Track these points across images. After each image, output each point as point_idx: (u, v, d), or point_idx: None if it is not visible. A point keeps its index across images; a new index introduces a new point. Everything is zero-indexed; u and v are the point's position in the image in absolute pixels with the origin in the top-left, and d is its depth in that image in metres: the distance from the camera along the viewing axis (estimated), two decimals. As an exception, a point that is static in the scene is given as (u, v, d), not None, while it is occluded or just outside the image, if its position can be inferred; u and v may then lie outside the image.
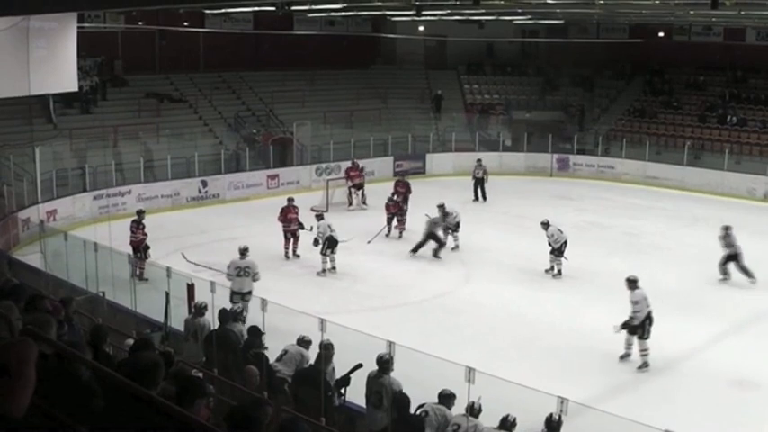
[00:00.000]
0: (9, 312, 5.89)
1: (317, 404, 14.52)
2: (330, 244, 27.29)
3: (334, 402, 15.06)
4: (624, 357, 19.93)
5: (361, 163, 39.52)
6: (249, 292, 21.50)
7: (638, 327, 19.70)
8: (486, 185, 39.96)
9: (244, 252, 22.52)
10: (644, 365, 19.63)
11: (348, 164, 39.08)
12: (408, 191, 34.48)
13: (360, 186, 37.58)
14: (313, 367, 15.15)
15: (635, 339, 19.84)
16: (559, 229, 27.32)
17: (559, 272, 26.98)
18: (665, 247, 31.22)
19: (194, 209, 36.01)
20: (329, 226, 27.47)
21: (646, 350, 19.70)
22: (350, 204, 37.26)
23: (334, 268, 27.51)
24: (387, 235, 32.01)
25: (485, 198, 39.33)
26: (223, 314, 17.24)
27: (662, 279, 26.90)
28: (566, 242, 27.14)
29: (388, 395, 14.06)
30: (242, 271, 22.07)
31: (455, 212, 30.33)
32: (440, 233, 29.00)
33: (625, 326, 19.75)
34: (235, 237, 29.57)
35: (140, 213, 27.61)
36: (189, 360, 15.95)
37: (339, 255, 27.79)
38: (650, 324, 19.71)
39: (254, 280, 22.12)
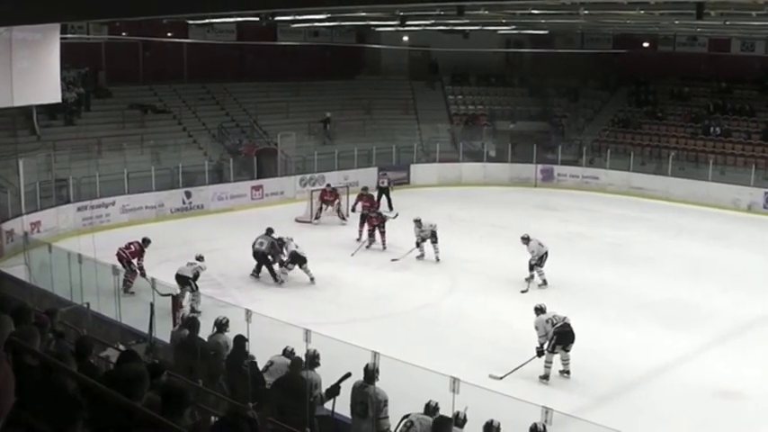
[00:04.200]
0: (4, 326, 5.85)
1: (300, 414, 14.51)
2: (293, 259, 27.39)
3: (319, 411, 15.02)
4: (545, 378, 19.85)
5: (332, 183, 39.05)
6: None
7: (549, 344, 19.73)
8: (392, 194, 39.85)
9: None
10: (545, 377, 19.71)
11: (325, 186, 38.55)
12: (373, 205, 34.78)
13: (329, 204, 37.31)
14: (292, 376, 15.09)
15: (552, 356, 19.82)
16: (540, 243, 27.24)
17: (544, 282, 26.95)
18: (650, 258, 31.24)
19: (178, 220, 35.97)
20: (295, 245, 27.64)
21: (549, 362, 19.78)
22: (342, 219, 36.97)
23: (312, 279, 27.47)
24: (367, 246, 31.92)
25: (390, 207, 38.37)
26: (189, 322, 17.25)
27: (646, 290, 27.02)
28: (546, 254, 27.17)
29: (372, 405, 14.04)
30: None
31: (429, 225, 30.47)
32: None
33: (539, 353, 19.78)
34: (219, 248, 29.60)
35: (147, 242, 27.43)
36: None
37: (324, 266, 27.86)
38: (561, 341, 19.66)
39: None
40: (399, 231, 31.38)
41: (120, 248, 26.60)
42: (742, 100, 48.16)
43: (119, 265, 22.52)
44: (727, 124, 46.82)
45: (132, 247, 26.90)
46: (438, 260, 30.12)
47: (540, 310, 20.22)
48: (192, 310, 22.51)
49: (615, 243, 33.54)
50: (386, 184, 40.06)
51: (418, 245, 30.41)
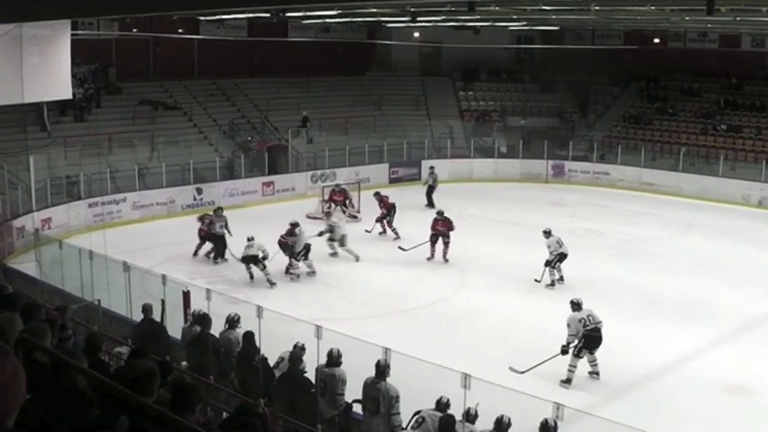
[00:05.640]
0: (12, 323, 5.85)
1: (304, 409, 14.55)
2: (307, 251, 27.69)
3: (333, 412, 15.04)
4: (567, 382, 19.46)
5: (342, 181, 39.83)
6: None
7: (575, 347, 19.47)
8: (402, 191, 39.81)
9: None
10: (567, 381, 19.36)
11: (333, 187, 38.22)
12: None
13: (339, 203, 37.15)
14: (292, 371, 15.15)
15: (577, 360, 19.60)
16: (558, 242, 27.01)
17: (553, 283, 26.67)
18: (660, 254, 31.21)
19: (189, 216, 35.87)
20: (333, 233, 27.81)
21: (574, 366, 19.44)
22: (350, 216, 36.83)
23: (313, 272, 27.70)
24: (429, 258, 30.05)
25: (433, 205, 38.13)
26: (200, 318, 17.22)
27: (656, 286, 26.98)
28: (564, 255, 26.95)
29: (384, 401, 14.04)
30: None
31: (336, 225, 30.42)
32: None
33: (564, 352, 19.52)
34: (229, 244, 29.59)
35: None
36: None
37: (335, 262, 27.90)
38: (588, 345, 19.50)
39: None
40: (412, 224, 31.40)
41: (200, 228, 30.00)
42: (752, 96, 48.03)
43: (129, 262, 22.50)
44: (737, 120, 46.76)
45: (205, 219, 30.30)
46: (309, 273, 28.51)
47: (576, 306, 19.83)
48: (270, 282, 26.91)
49: (626, 239, 33.50)
50: (432, 182, 40.01)
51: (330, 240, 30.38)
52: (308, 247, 27.61)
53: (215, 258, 29.52)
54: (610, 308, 23.14)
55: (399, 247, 29.75)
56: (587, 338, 19.26)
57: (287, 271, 28.05)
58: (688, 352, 21.40)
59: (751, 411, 18.16)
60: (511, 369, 18.99)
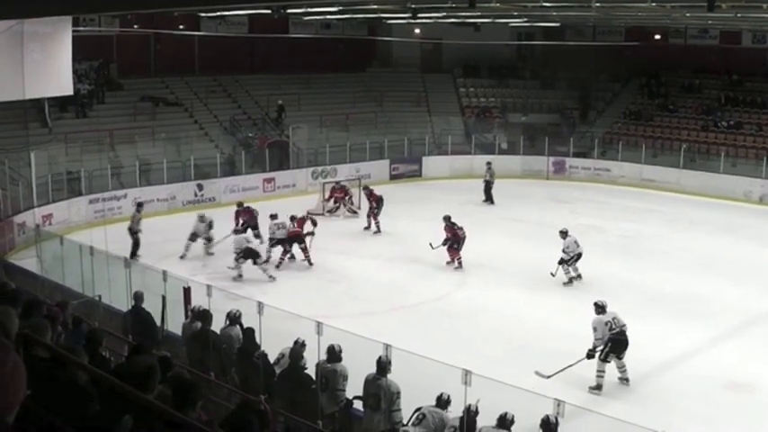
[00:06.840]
0: (9, 317, 5.86)
1: (305, 406, 14.54)
2: (246, 255, 27.25)
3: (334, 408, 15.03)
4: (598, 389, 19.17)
5: (343, 177, 40.36)
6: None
7: (602, 351, 19.25)
8: (403, 187, 40.22)
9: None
10: (597, 387, 19.03)
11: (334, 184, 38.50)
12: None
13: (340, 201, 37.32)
14: (292, 368, 15.16)
15: (604, 365, 19.40)
16: (576, 242, 26.92)
17: (570, 280, 26.65)
18: (662, 251, 31.18)
19: (190, 212, 35.79)
20: (246, 238, 27.89)
21: (602, 371, 19.12)
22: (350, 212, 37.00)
23: (271, 277, 27.46)
24: (452, 264, 29.30)
25: (492, 201, 39.59)
26: (200, 314, 17.22)
27: (657, 282, 26.94)
28: (580, 255, 26.88)
29: (385, 397, 14.03)
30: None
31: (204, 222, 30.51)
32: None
33: (590, 356, 19.31)
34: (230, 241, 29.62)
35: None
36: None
37: (336, 258, 28.01)
38: (614, 349, 19.36)
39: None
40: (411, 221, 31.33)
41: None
42: (753, 92, 48.01)
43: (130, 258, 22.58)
44: (738, 117, 46.75)
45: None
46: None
47: (600, 308, 19.60)
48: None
49: (627, 235, 33.44)
50: (489, 177, 39.99)
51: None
52: (247, 253, 27.52)
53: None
54: (611, 305, 23.15)
55: (429, 244, 29.32)
56: (614, 342, 19.00)
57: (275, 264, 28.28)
58: (689, 349, 21.40)
59: (752, 408, 18.16)
60: (537, 374, 18.77)
